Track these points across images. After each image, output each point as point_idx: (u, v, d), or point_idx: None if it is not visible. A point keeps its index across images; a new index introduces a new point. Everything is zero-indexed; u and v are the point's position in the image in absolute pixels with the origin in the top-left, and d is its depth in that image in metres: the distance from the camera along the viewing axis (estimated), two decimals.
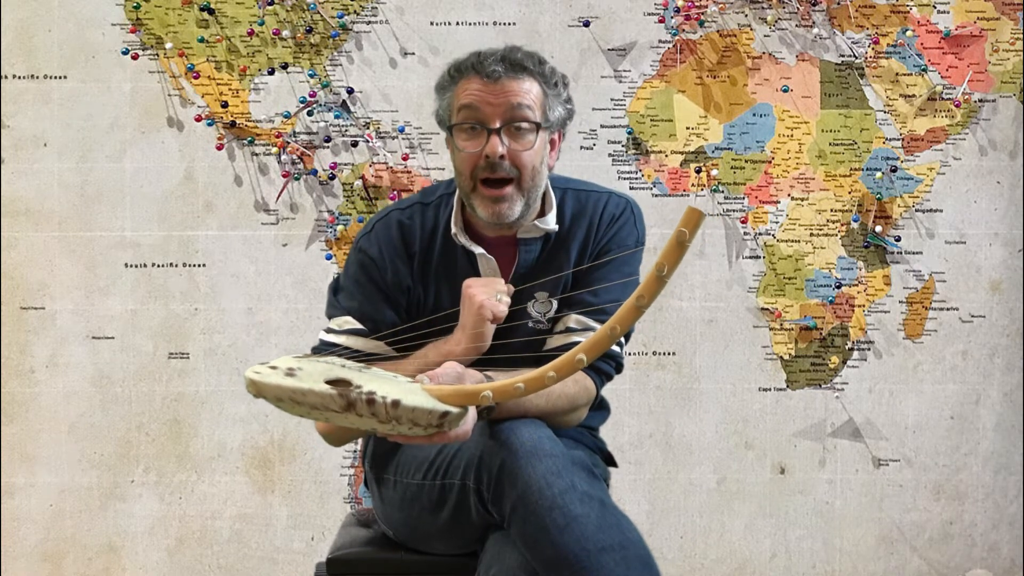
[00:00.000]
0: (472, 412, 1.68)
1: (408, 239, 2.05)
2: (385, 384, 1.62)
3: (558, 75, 2.01)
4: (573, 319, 1.99)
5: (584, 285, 2.01)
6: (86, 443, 3.00)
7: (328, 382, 1.59)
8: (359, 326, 2.01)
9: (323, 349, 2.00)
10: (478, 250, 2.01)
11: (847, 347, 3.05)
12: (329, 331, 2.03)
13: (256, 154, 2.99)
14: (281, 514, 3.03)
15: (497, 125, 1.94)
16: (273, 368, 1.63)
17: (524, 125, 1.95)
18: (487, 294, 1.91)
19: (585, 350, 1.62)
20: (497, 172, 1.95)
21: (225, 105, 2.97)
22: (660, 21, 3.00)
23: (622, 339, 2.02)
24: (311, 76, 2.97)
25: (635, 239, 2.07)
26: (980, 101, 3.02)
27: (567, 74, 2.09)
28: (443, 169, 2.97)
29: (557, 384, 1.85)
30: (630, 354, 2.97)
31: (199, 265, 3.00)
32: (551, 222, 2.03)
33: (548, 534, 1.68)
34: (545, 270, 2.03)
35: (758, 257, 3.04)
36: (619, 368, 2.04)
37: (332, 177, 2.98)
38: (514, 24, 2.98)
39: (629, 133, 3.01)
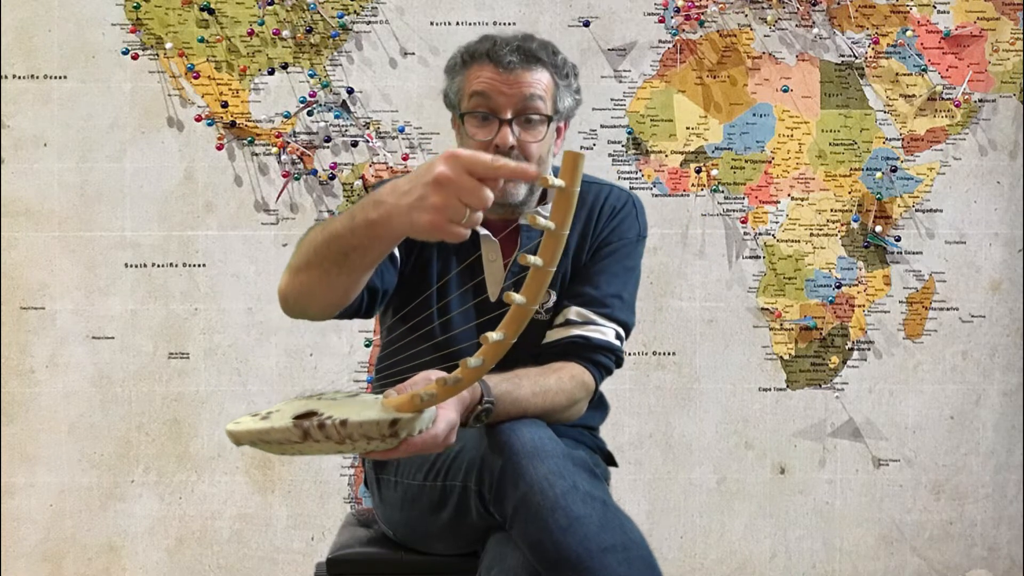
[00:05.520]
0: (443, 417, 1.63)
1: None
2: (348, 408, 1.61)
3: (569, 65, 2.02)
4: (574, 311, 1.99)
5: (584, 277, 2.01)
6: (86, 443, 2.99)
7: (296, 417, 1.60)
8: None
9: None
10: (482, 231, 2.02)
11: (847, 347, 3.05)
12: None
13: (256, 154, 2.99)
14: (281, 514, 3.03)
15: (509, 116, 1.95)
16: (254, 416, 1.65)
17: (536, 116, 1.96)
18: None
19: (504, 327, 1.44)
20: None
21: (225, 105, 2.97)
22: (660, 21, 2.99)
23: (623, 333, 2.02)
24: (311, 76, 2.97)
25: (636, 232, 2.06)
26: (980, 101, 3.02)
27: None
28: None
29: (554, 382, 1.88)
30: (630, 354, 2.97)
31: (199, 265, 3.00)
32: None
33: (550, 535, 1.68)
34: None
35: (758, 257, 3.04)
36: (619, 362, 2.03)
37: (332, 177, 2.98)
38: (514, 24, 2.98)
39: (629, 133, 3.01)
